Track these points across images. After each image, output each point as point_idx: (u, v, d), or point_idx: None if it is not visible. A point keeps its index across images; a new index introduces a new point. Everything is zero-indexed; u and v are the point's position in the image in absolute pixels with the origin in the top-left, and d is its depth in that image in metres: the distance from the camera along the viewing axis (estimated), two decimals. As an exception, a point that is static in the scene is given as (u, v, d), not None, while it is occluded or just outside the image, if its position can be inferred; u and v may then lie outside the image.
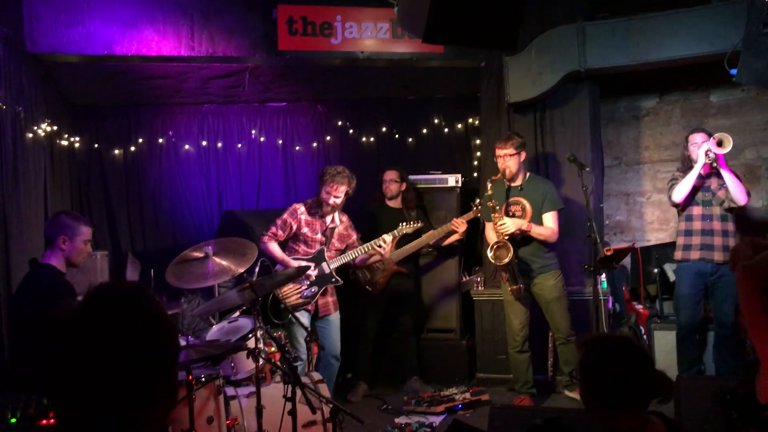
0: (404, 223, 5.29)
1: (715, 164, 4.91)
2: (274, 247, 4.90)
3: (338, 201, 4.93)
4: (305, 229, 4.97)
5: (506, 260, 4.89)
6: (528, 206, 5.05)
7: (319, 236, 5.01)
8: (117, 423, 1.15)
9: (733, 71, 4.59)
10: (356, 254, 5.11)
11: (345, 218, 5.19)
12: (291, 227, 4.95)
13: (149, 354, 1.17)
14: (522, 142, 5.11)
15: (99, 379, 1.13)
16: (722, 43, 4.91)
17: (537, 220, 5.05)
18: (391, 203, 5.82)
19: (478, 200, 5.65)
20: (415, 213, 5.80)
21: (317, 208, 5.01)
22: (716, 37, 5.00)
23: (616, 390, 2.02)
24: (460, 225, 5.54)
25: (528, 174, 5.20)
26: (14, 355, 3.80)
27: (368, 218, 5.66)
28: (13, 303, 3.68)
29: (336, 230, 5.09)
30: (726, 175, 4.89)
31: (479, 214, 5.59)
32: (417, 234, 5.63)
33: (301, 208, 5.00)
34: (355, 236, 5.24)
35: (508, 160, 5.04)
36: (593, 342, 2.20)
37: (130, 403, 1.16)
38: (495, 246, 4.94)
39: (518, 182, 5.14)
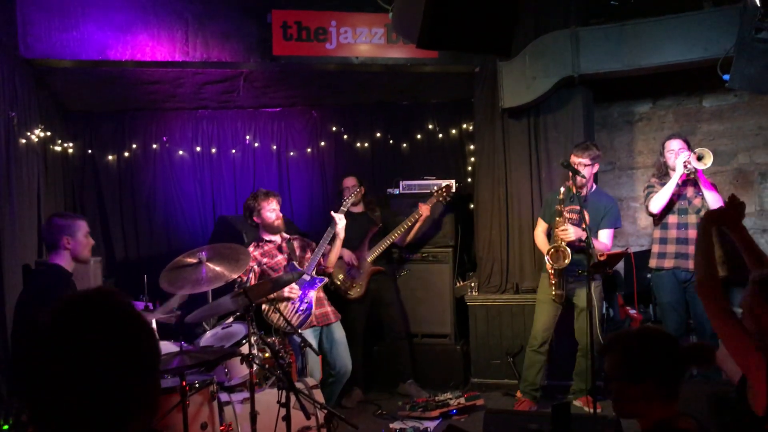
0: (345, 198, 5.30)
1: (693, 175, 4.89)
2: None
3: (279, 212, 4.97)
4: (265, 260, 4.95)
5: (566, 262, 4.89)
6: (587, 217, 5.03)
7: (280, 257, 4.98)
8: (97, 428, 1.14)
9: (726, 76, 4.61)
10: (321, 248, 5.04)
11: (295, 236, 5.22)
12: (254, 269, 4.91)
13: (123, 357, 1.16)
14: (598, 155, 5.08)
15: (76, 387, 1.12)
16: (715, 49, 4.94)
17: (592, 233, 5.01)
18: (354, 209, 5.76)
19: (451, 184, 5.79)
20: (379, 213, 5.90)
21: (263, 239, 5.02)
22: (709, 43, 5.02)
23: (654, 377, 2.08)
24: (424, 210, 5.63)
25: (594, 186, 5.16)
26: (15, 357, 3.80)
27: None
28: (21, 303, 3.69)
29: (294, 244, 5.07)
30: (704, 188, 4.88)
31: (441, 198, 5.71)
32: (384, 232, 5.72)
33: (250, 248, 4.95)
34: (313, 244, 5.20)
35: (582, 169, 5.00)
36: (615, 342, 2.23)
37: (110, 408, 1.14)
38: (553, 249, 4.95)
39: (584, 192, 5.09)
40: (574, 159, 5.06)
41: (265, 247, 5.00)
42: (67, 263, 3.67)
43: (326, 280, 5.06)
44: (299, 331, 4.56)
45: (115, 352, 1.15)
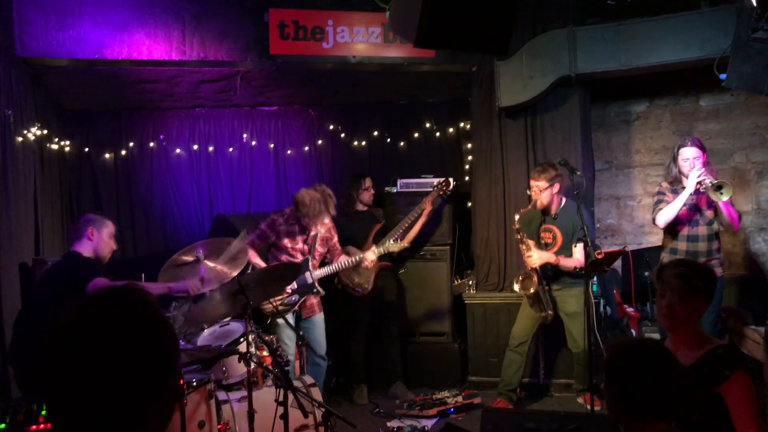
0: (391, 240, 5.34)
1: (707, 193, 4.62)
2: (251, 255, 4.91)
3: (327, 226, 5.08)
4: (285, 240, 4.98)
5: (531, 290, 4.95)
6: (559, 235, 5.06)
7: (300, 245, 5.02)
8: (115, 428, 1.14)
9: (723, 76, 4.61)
10: (340, 267, 5.17)
11: (327, 220, 5.18)
12: (269, 239, 4.98)
13: (146, 357, 1.16)
14: (556, 174, 5.01)
15: (95, 385, 1.12)
16: (712, 48, 4.95)
17: (567, 247, 5.03)
18: (360, 206, 5.86)
19: (449, 180, 5.81)
20: (381, 211, 5.99)
21: (297, 220, 5.01)
22: (706, 42, 5.03)
23: (643, 395, 1.98)
24: (427, 205, 5.66)
25: (564, 201, 5.13)
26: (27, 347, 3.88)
27: (343, 228, 5.57)
28: (41, 287, 4.01)
29: (318, 236, 5.10)
30: (720, 207, 4.66)
31: (441, 192, 5.74)
32: (385, 230, 5.71)
33: (279, 220, 5.02)
34: (336, 238, 5.25)
35: (541, 193, 5.02)
36: (621, 346, 2.16)
37: (127, 407, 1.14)
38: (521, 277, 5.00)
39: (553, 211, 5.11)
40: (531, 182, 5.11)
41: (294, 227, 5.02)
42: (87, 252, 3.93)
43: (323, 293, 5.11)
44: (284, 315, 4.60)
45: (138, 351, 1.15)
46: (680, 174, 4.81)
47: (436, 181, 5.91)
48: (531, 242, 5.06)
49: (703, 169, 4.67)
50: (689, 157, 4.74)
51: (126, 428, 1.14)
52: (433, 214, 5.92)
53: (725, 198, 4.54)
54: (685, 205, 4.74)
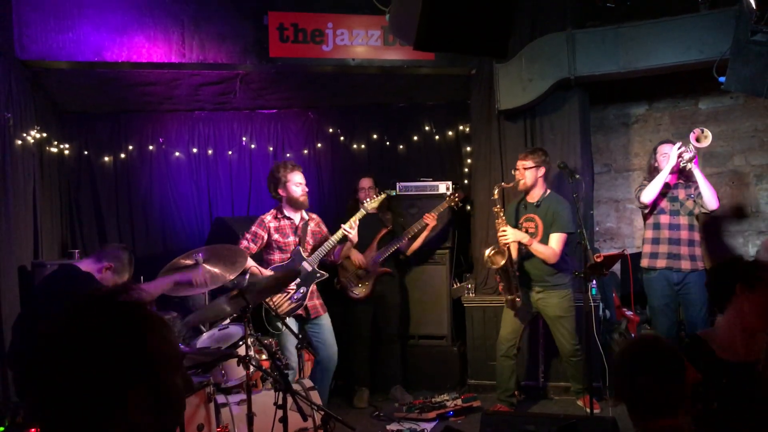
0: (366, 200, 5.23)
1: (689, 165, 4.98)
2: (250, 264, 4.81)
3: (305, 187, 4.98)
4: (276, 236, 4.96)
5: (500, 264, 4.90)
6: (540, 225, 5.04)
7: (291, 239, 5.00)
8: (95, 426, 1.13)
9: (722, 79, 4.63)
10: (331, 245, 5.05)
11: (314, 215, 5.19)
12: (262, 238, 4.94)
13: (129, 358, 1.14)
14: (544, 159, 5.05)
15: (80, 389, 1.12)
16: (711, 51, 4.97)
17: (546, 238, 5.01)
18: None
19: (454, 187, 5.96)
20: (390, 216, 5.89)
21: (283, 213, 5.01)
22: (705, 45, 5.04)
23: (644, 391, 2.01)
24: (430, 220, 5.70)
25: (548, 192, 5.13)
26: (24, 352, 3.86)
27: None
28: (37, 296, 3.86)
29: (309, 227, 5.08)
30: (699, 176, 4.97)
31: (452, 204, 5.86)
32: (392, 235, 5.76)
33: (267, 217, 5.00)
34: (326, 231, 5.22)
35: (525, 172, 5.04)
36: (623, 347, 2.22)
37: (91, 409, 1.13)
38: (492, 252, 4.96)
39: (536, 198, 5.09)
40: (518, 162, 5.13)
41: (282, 222, 5.00)
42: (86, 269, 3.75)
43: (326, 275, 5.05)
44: (286, 320, 4.55)
45: (120, 354, 1.14)
46: (657, 171, 5.12)
47: (443, 185, 6.03)
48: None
49: (684, 147, 5.00)
50: (667, 152, 5.09)
51: (104, 426, 1.13)
52: (440, 226, 5.93)
53: (707, 141, 4.95)
54: (665, 195, 5.06)
